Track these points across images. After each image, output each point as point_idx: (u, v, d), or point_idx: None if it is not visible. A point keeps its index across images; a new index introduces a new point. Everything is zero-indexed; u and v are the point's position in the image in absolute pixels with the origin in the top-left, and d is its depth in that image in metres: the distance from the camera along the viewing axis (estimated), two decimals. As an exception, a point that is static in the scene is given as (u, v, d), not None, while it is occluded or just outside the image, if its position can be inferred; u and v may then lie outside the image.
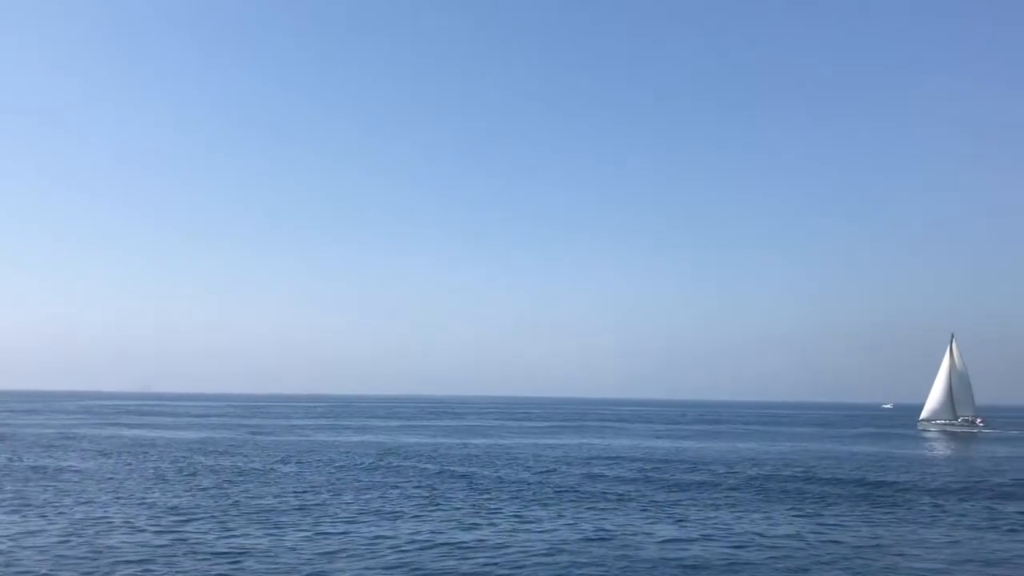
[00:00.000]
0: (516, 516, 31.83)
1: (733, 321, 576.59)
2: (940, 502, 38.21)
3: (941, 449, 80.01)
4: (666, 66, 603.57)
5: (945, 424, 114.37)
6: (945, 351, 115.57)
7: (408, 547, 25.34)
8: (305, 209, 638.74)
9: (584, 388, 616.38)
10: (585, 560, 23.87)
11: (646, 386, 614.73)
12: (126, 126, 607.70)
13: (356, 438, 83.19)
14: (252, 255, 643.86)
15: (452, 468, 50.92)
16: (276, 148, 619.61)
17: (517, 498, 37.05)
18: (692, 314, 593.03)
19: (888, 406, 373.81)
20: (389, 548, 25.15)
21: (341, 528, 28.61)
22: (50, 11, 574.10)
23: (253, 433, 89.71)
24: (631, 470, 51.48)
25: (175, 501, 34.41)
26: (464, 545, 25.78)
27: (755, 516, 32.94)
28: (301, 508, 33.10)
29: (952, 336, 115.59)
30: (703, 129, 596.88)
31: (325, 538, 26.52)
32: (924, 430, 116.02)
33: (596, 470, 51.16)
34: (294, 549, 24.68)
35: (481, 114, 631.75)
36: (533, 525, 29.76)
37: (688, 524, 30.59)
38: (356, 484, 41.77)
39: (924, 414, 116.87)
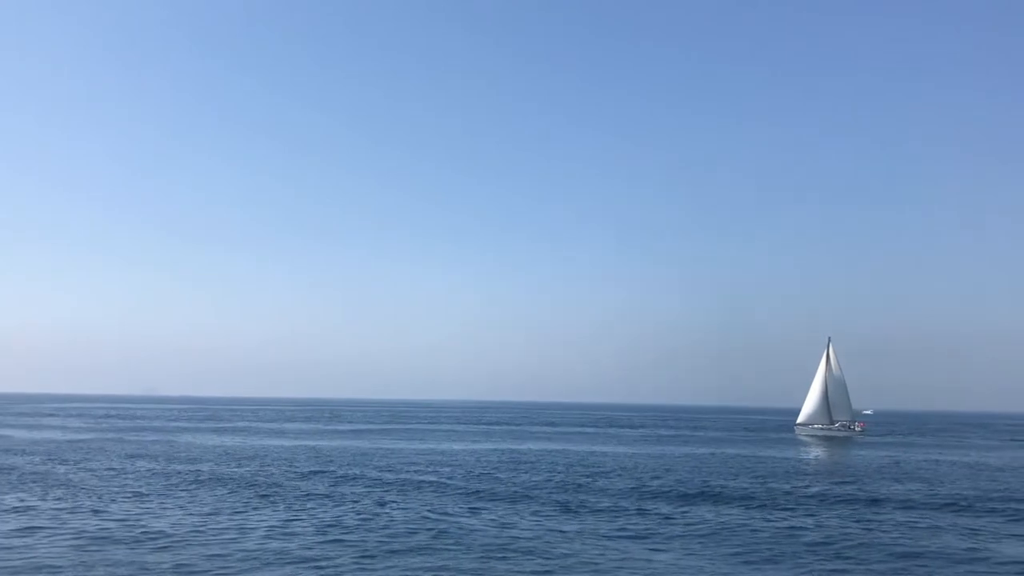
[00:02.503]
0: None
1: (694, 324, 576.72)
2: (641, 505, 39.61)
3: (779, 453, 78.91)
4: (637, 71, 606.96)
5: (821, 428, 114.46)
6: (822, 355, 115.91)
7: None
8: (299, 213, 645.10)
9: (563, 393, 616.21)
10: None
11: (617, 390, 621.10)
12: (124, 128, 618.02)
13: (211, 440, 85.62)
14: (252, 258, 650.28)
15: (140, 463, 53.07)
16: (271, 152, 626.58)
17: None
18: (657, 318, 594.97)
19: (868, 412, 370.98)
20: None
21: None
22: (49, 13, 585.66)
23: (117, 432, 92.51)
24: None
25: None
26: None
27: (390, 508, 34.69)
28: None
29: (829, 340, 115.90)
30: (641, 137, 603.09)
31: None
32: (800, 435, 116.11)
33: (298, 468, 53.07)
34: None
35: (469, 117, 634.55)
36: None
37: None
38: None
39: (800, 418, 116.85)
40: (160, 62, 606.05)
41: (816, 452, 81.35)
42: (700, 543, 28.36)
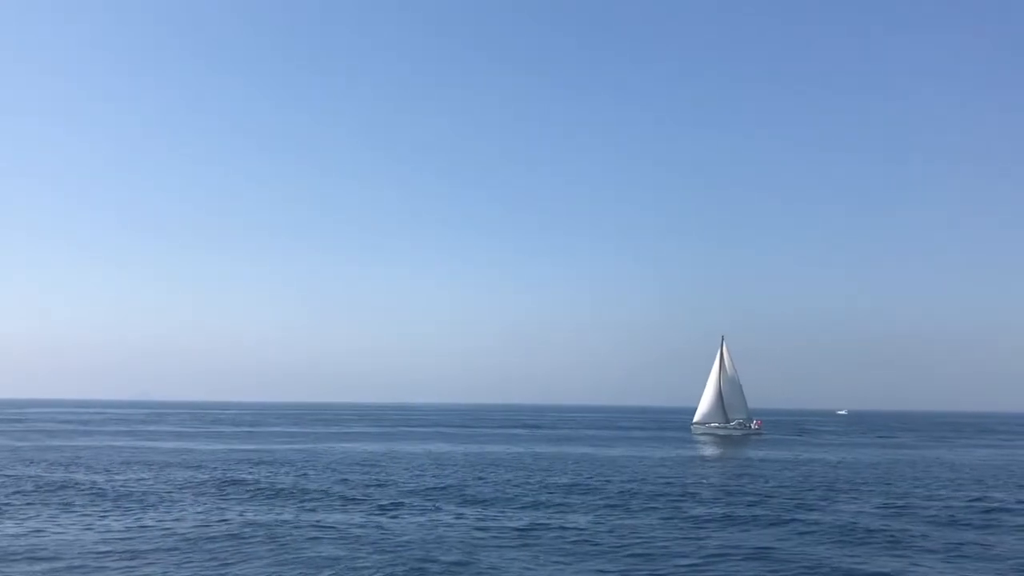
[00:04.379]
0: None
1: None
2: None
3: (645, 452, 78.10)
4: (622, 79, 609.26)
5: (717, 427, 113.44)
6: (716, 353, 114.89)
7: None
8: (296, 216, 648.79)
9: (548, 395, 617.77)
10: None
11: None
12: (113, 130, 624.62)
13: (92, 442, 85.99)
14: (247, 262, 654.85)
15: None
16: (258, 155, 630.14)
17: None
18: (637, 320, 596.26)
19: (843, 412, 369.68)
20: None
21: None
22: (48, 16, 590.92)
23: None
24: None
25: None
26: None
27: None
28: None
29: (722, 339, 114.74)
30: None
31: None
32: (695, 433, 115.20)
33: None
34: None
35: (468, 118, 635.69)
36: None
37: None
38: None
39: (696, 417, 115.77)
40: (155, 65, 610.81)
41: (689, 451, 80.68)
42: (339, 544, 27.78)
